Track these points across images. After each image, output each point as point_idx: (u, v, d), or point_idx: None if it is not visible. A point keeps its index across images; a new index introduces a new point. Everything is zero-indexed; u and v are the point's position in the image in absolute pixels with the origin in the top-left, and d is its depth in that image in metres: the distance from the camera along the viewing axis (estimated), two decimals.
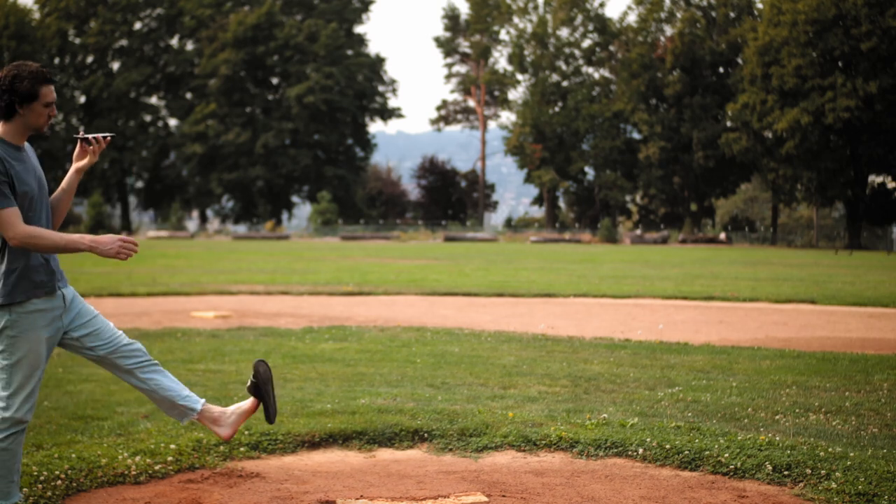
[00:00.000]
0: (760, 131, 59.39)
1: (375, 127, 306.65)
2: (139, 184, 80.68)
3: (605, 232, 64.11)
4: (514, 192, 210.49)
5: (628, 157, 70.83)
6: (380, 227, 72.75)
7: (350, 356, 8.86)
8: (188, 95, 78.59)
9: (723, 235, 61.82)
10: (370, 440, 5.62)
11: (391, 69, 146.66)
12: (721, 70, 68.64)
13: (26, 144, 4.03)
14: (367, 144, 79.93)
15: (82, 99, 76.99)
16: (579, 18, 74.05)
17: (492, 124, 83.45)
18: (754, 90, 57.70)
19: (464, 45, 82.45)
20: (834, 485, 4.64)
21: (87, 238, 3.92)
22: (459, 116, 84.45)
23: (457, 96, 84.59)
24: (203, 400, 4.27)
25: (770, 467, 4.93)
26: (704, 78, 67.58)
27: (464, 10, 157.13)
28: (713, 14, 68.60)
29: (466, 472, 5.08)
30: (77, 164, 4.21)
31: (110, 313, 12.24)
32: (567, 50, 74.70)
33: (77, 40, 77.74)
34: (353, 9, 78.33)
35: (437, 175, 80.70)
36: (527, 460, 5.33)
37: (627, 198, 75.28)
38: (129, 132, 75.21)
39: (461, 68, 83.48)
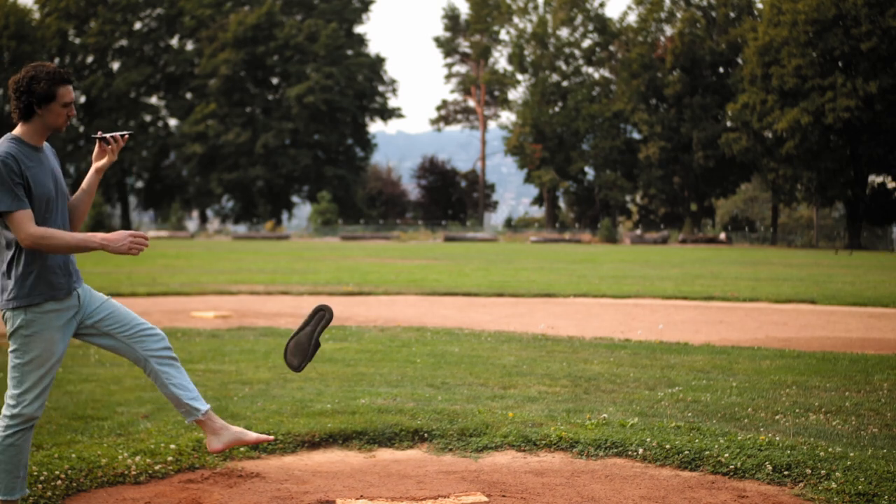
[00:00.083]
0: (760, 131, 59.39)
1: (375, 127, 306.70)
2: (139, 184, 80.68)
3: (605, 232, 64.11)
4: (514, 192, 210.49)
5: (628, 157, 70.83)
6: (380, 227, 72.75)
7: (350, 356, 8.86)
8: (188, 95, 78.61)
9: (723, 235, 61.81)
10: (370, 440, 5.63)
11: (391, 69, 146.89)
12: (721, 70, 68.64)
13: (46, 145, 4.04)
14: (367, 144, 79.94)
15: (82, 99, 76.95)
16: (579, 18, 74.06)
17: (492, 124, 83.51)
18: (754, 90, 57.70)
19: (464, 45, 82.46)
20: (834, 485, 4.64)
21: (98, 236, 3.92)
22: (459, 116, 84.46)
23: (457, 96, 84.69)
24: (209, 406, 4.27)
25: (770, 467, 4.93)
26: (704, 78, 67.58)
27: (464, 10, 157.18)
28: (713, 14, 68.60)
29: (466, 472, 5.08)
30: (97, 164, 4.23)
31: None
32: (567, 50, 74.70)
33: (77, 40, 77.76)
34: (353, 9, 78.33)
35: (437, 175, 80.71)
36: (527, 460, 5.33)
37: (627, 198, 75.28)
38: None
39: (461, 68, 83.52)
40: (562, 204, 79.10)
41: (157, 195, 79.42)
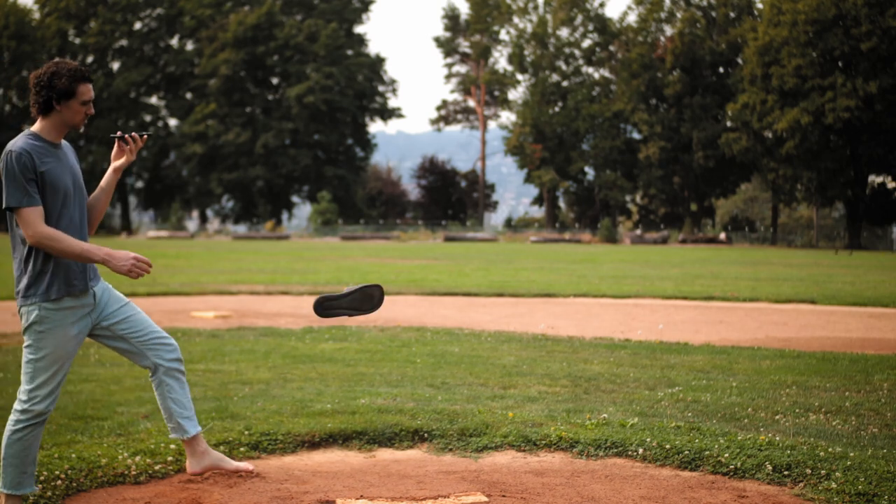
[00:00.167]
0: (760, 131, 59.39)
1: (375, 127, 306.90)
2: (139, 184, 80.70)
3: (605, 232, 64.11)
4: (514, 192, 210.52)
5: (628, 157, 70.84)
6: (380, 227, 72.76)
7: (350, 356, 8.86)
8: (188, 95, 78.63)
9: (723, 235, 61.81)
10: (370, 440, 5.62)
11: (391, 69, 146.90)
12: (721, 70, 68.64)
13: (64, 143, 4.06)
14: (367, 144, 79.95)
15: None
16: (579, 18, 74.06)
17: (492, 124, 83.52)
18: (754, 90, 57.71)
19: (464, 45, 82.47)
20: (834, 485, 4.64)
21: (102, 250, 3.93)
22: (459, 116, 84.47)
23: (457, 96, 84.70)
24: (200, 429, 4.26)
25: (770, 467, 4.93)
26: (704, 78, 67.59)
27: (464, 10, 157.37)
28: (713, 14, 68.60)
29: (466, 472, 5.08)
30: (115, 164, 4.25)
31: None
32: (567, 50, 74.71)
33: (77, 40, 77.76)
34: (353, 9, 78.35)
35: (437, 175, 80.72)
36: (527, 460, 5.33)
37: (627, 198, 75.28)
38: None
39: (461, 68, 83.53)
40: (562, 204, 79.11)
41: (157, 195, 79.43)
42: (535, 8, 75.49)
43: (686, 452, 5.20)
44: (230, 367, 8.17)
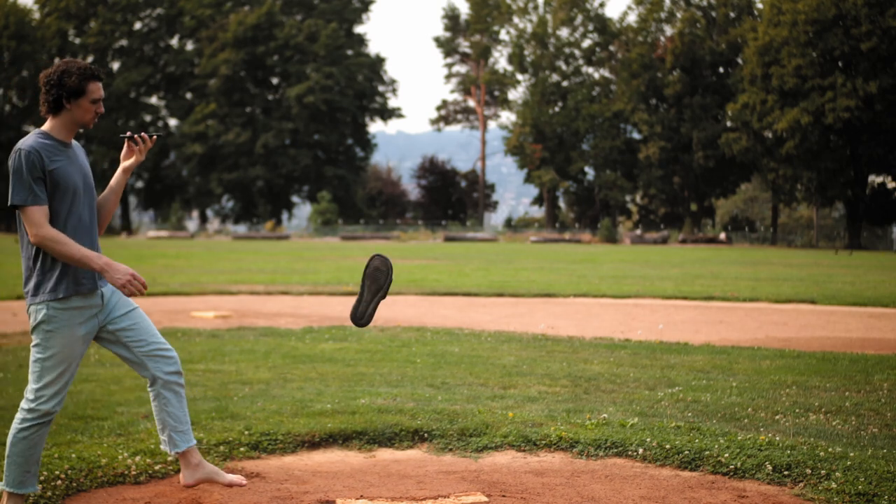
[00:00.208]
0: (760, 131, 59.39)
1: (375, 127, 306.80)
2: (139, 184, 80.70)
3: (605, 232, 64.11)
4: (514, 192, 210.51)
5: (628, 157, 70.84)
6: (380, 227, 72.76)
7: (350, 356, 8.86)
8: (188, 95, 78.63)
9: (723, 235, 61.81)
10: (370, 440, 5.62)
11: (391, 69, 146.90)
12: (721, 70, 68.64)
13: (74, 142, 4.07)
14: (367, 144, 79.96)
15: None
16: (579, 18, 74.06)
17: (492, 124, 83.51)
18: (754, 90, 57.70)
19: (464, 45, 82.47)
20: (834, 485, 4.64)
21: (102, 259, 3.92)
22: (459, 116, 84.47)
23: (457, 96, 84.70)
24: (194, 443, 4.26)
25: (770, 467, 4.93)
26: (704, 78, 67.59)
27: (464, 10, 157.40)
28: (713, 14, 68.60)
29: (466, 472, 5.08)
30: (124, 164, 4.26)
31: None
32: (567, 50, 74.71)
33: (77, 40, 77.77)
34: (353, 9, 78.35)
35: (437, 175, 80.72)
36: (527, 460, 5.33)
37: (627, 198, 75.28)
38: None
39: (461, 68, 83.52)
40: (562, 204, 79.10)
41: (157, 195, 79.42)
42: (535, 8, 75.50)
43: (686, 452, 5.20)
44: (230, 367, 8.17)
